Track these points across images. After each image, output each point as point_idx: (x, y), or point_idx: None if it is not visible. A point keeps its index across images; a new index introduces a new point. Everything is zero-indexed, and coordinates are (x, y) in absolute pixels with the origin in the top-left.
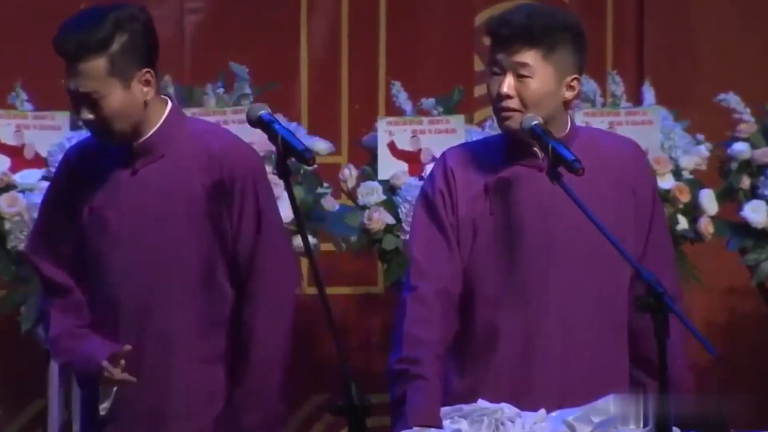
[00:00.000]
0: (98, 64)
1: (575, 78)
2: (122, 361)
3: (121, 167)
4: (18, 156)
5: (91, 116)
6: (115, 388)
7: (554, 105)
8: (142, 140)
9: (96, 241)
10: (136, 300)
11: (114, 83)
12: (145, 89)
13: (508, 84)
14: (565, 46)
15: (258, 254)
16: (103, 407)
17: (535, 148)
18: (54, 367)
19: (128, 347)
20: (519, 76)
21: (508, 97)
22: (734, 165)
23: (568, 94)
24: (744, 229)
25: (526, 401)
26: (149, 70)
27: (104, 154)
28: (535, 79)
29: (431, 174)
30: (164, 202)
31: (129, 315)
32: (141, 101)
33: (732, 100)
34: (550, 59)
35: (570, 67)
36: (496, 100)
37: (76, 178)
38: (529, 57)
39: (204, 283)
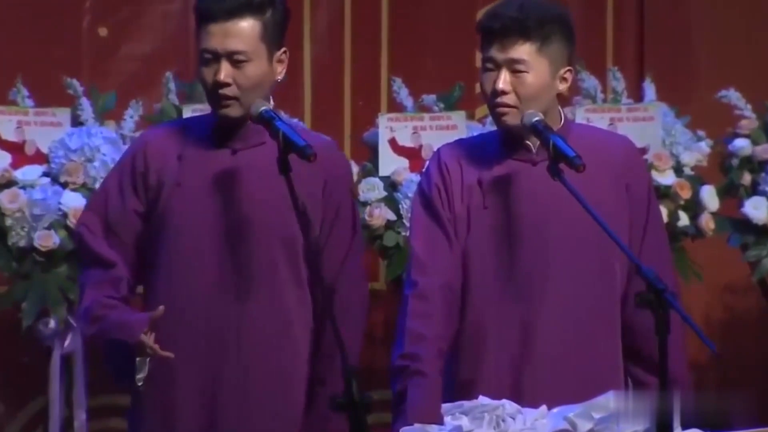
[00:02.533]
0: (255, 25)
1: (568, 70)
2: (152, 334)
3: (216, 148)
4: (19, 152)
5: (230, 80)
6: (148, 359)
7: (549, 98)
8: (248, 123)
9: (180, 217)
10: (214, 279)
11: (262, 50)
12: (279, 68)
13: (503, 80)
14: (558, 38)
15: (349, 262)
16: (139, 378)
17: (528, 142)
18: (55, 364)
19: (161, 309)
20: (514, 72)
21: (504, 93)
22: (735, 161)
23: (562, 87)
24: (745, 225)
25: (524, 397)
26: (286, 49)
27: (190, 136)
28: (530, 73)
29: (426, 170)
30: (263, 188)
31: (204, 294)
32: (273, 79)
33: (733, 96)
34: (545, 52)
35: (563, 59)
36: (492, 97)
37: (157, 160)
38: (524, 51)
39: (290, 278)
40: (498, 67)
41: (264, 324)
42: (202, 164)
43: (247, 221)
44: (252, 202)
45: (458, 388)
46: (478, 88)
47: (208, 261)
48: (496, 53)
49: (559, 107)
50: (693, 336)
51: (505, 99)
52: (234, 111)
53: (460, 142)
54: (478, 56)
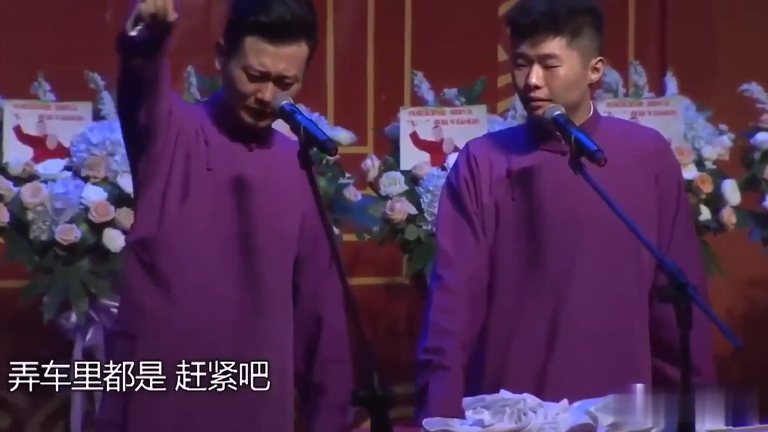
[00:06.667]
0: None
1: (600, 60)
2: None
3: (236, 142)
4: (41, 146)
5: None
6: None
7: (581, 89)
8: (266, 126)
9: (203, 200)
10: (234, 269)
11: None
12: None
13: (536, 75)
14: (588, 29)
15: (332, 259)
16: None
17: (558, 132)
18: (77, 358)
19: None
20: (546, 67)
21: (537, 87)
22: (757, 155)
23: (594, 77)
24: (766, 219)
25: (549, 391)
26: None
27: (219, 126)
28: (563, 67)
29: (455, 164)
30: (276, 183)
31: (223, 281)
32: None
33: (755, 89)
34: (575, 45)
35: (593, 49)
36: (525, 91)
37: (197, 130)
38: (555, 46)
39: (290, 276)
40: (530, 62)
41: (276, 330)
42: (223, 152)
43: (261, 224)
44: (264, 193)
45: (486, 380)
46: (500, 82)
47: (222, 258)
48: (527, 49)
49: (590, 98)
50: (715, 330)
51: (538, 93)
52: (264, 120)
53: (489, 135)
54: (501, 50)
